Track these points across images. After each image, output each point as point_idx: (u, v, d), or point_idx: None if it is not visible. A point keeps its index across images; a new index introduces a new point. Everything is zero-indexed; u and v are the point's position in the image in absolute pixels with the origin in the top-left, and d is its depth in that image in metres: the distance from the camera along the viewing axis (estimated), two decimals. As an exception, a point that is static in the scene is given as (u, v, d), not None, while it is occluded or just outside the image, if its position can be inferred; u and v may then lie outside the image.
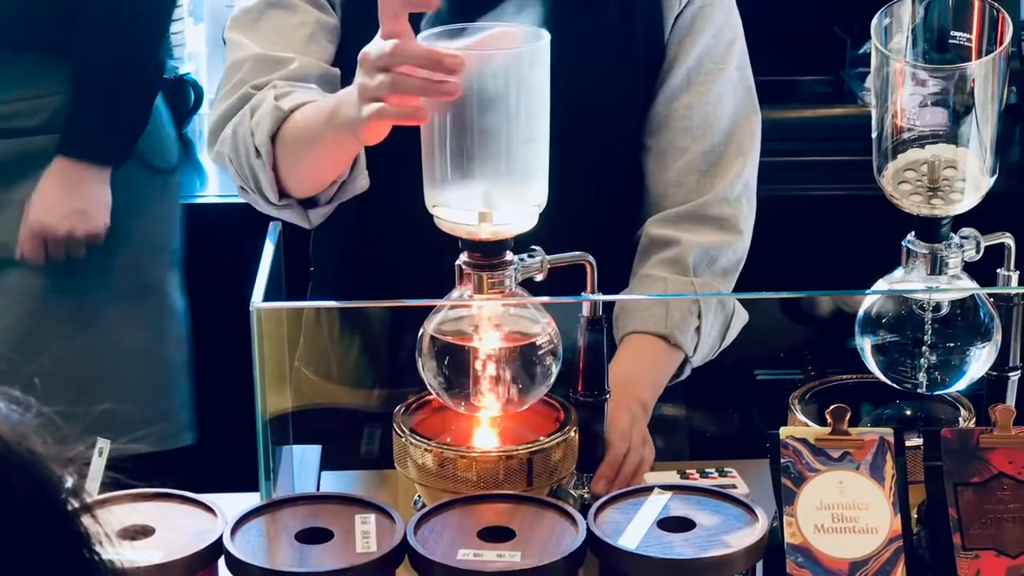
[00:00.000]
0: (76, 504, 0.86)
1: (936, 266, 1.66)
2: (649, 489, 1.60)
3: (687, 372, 1.95)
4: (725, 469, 1.73)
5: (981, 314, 1.69)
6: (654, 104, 1.99)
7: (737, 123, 2.00)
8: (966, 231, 1.68)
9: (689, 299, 1.91)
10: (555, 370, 1.66)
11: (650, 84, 1.98)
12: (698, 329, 1.91)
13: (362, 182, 1.82)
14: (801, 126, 3.11)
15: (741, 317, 1.99)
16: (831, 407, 1.58)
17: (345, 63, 1.89)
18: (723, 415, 2.65)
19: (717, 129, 1.98)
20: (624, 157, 2.01)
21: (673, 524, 1.54)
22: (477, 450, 1.66)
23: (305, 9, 1.92)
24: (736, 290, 2.00)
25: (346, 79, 1.91)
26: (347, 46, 1.90)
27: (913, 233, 1.67)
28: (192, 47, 3.41)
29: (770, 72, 2.34)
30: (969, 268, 1.69)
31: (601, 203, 2.00)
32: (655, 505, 1.57)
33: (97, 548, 0.87)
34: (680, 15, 1.97)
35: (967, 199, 1.64)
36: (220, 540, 1.52)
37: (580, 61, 1.87)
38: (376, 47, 1.57)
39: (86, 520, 0.87)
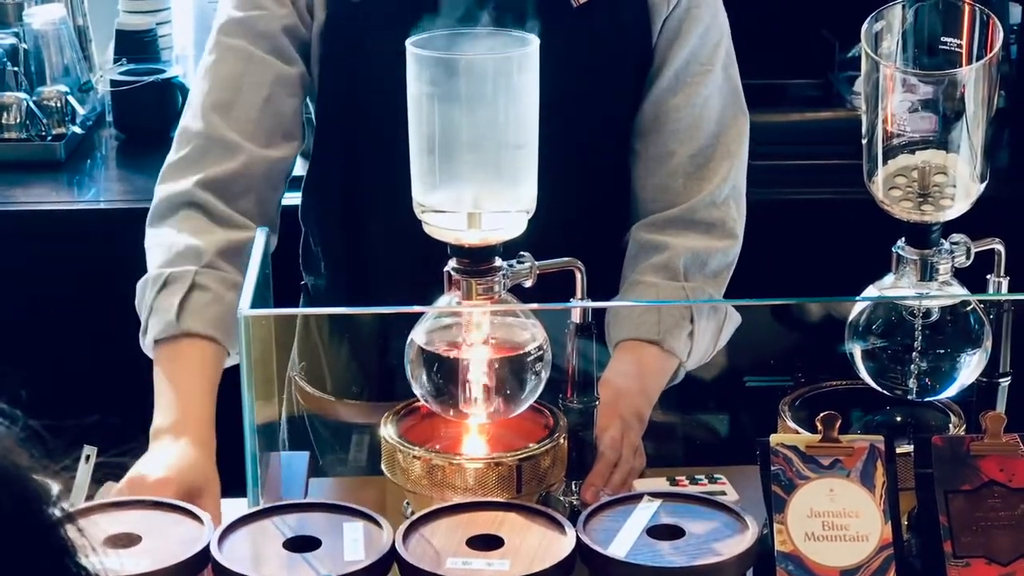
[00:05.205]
0: (61, 515, 0.85)
1: (926, 272, 1.66)
2: (639, 497, 1.60)
3: (681, 375, 1.94)
4: (715, 476, 1.73)
5: (971, 320, 1.69)
6: (642, 108, 1.98)
7: (724, 125, 1.99)
8: (956, 237, 1.68)
9: (681, 304, 1.90)
10: (544, 377, 1.65)
11: (638, 88, 1.98)
12: (691, 334, 1.90)
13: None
14: (789, 129, 3.11)
15: (734, 319, 1.98)
16: (821, 414, 1.57)
17: (330, 66, 1.93)
18: (713, 422, 2.65)
19: (704, 131, 1.97)
20: (612, 161, 2.00)
21: (663, 532, 1.54)
22: (466, 457, 1.65)
23: (262, 62, 1.92)
24: (726, 294, 1.99)
25: (333, 85, 1.92)
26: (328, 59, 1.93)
27: (903, 239, 1.67)
28: (180, 49, 3.41)
29: (758, 75, 2.34)
30: (959, 274, 1.68)
31: (590, 208, 1.99)
32: (645, 513, 1.56)
33: (82, 560, 0.86)
34: (668, 18, 1.95)
35: (957, 205, 1.63)
36: (207, 548, 1.51)
37: (568, 67, 1.86)
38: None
39: (71, 532, 0.86)
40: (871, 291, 1.70)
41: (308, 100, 2.01)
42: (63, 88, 3.16)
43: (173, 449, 1.71)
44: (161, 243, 1.87)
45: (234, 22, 1.94)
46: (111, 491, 1.65)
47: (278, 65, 1.92)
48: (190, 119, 1.94)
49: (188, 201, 1.88)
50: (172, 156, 1.94)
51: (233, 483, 1.66)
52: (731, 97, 2.01)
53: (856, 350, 1.71)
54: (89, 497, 1.61)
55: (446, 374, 1.63)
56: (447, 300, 1.63)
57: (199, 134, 1.91)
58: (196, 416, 1.75)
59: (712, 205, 1.97)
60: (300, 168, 2.12)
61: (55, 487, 0.87)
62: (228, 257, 1.86)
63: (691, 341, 1.91)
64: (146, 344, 1.84)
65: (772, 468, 1.55)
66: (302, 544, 1.52)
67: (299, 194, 2.09)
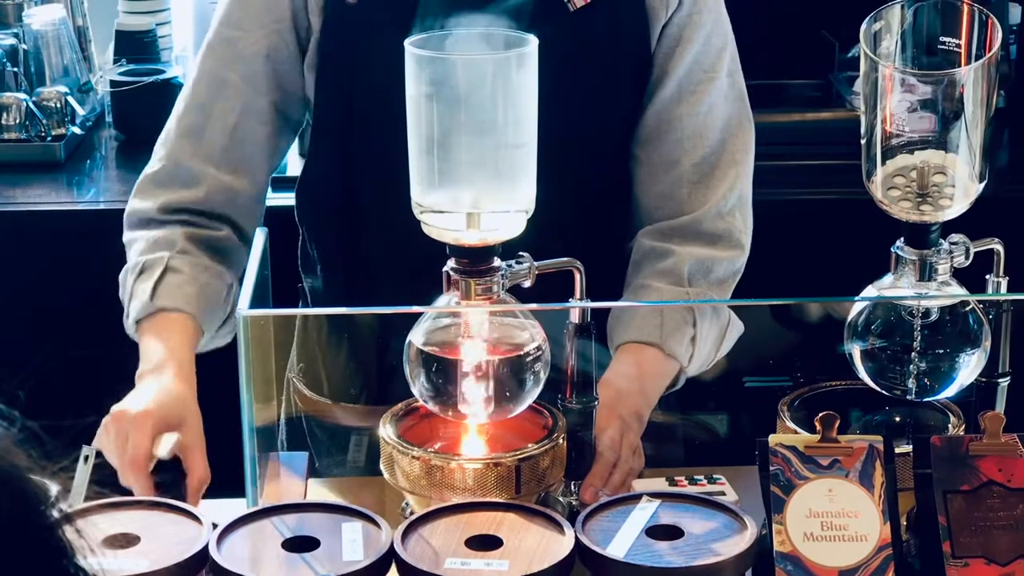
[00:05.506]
0: (59, 516, 0.85)
1: (925, 272, 1.66)
2: (637, 497, 1.60)
3: (682, 382, 1.93)
4: (714, 476, 1.73)
5: (970, 320, 1.69)
6: (644, 115, 1.97)
7: (729, 133, 1.97)
8: (955, 237, 1.68)
9: (683, 308, 1.89)
10: (543, 377, 1.65)
11: (638, 95, 1.96)
12: (693, 339, 1.89)
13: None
14: (790, 130, 3.10)
15: (737, 328, 1.97)
16: (820, 414, 1.57)
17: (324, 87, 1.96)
18: (712, 422, 2.64)
19: (708, 140, 1.96)
20: (612, 167, 1.99)
21: (662, 532, 1.54)
22: (465, 457, 1.65)
23: (234, 88, 1.95)
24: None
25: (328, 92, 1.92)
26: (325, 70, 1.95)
27: (902, 239, 1.66)
28: (180, 50, 3.40)
29: (759, 75, 2.33)
30: (958, 274, 1.68)
31: (589, 212, 1.99)
32: (643, 513, 1.56)
33: (80, 561, 0.86)
34: (667, 24, 1.94)
35: (956, 205, 1.63)
36: (206, 549, 1.51)
37: (566, 69, 1.86)
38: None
39: (69, 532, 0.86)
40: (870, 291, 1.70)
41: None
42: (63, 89, 3.15)
43: (155, 385, 1.77)
44: (138, 238, 1.95)
45: (217, 42, 1.97)
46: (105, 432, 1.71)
47: (249, 93, 1.95)
48: (166, 134, 2.00)
49: (155, 219, 1.96)
50: (149, 168, 2.00)
51: (232, 483, 1.66)
52: (737, 104, 1.99)
53: (855, 350, 1.71)
54: (88, 497, 1.61)
55: (445, 374, 1.63)
56: (446, 300, 1.63)
57: (169, 156, 1.98)
58: (177, 358, 1.81)
59: (718, 216, 1.95)
60: (296, 168, 2.12)
61: (54, 488, 0.86)
62: (200, 246, 1.93)
63: (693, 346, 1.90)
64: (129, 327, 1.90)
65: (771, 468, 1.55)
66: (301, 544, 1.52)
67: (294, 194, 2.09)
